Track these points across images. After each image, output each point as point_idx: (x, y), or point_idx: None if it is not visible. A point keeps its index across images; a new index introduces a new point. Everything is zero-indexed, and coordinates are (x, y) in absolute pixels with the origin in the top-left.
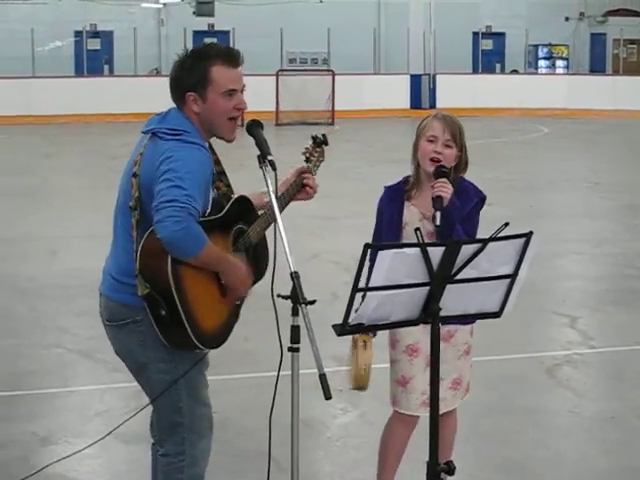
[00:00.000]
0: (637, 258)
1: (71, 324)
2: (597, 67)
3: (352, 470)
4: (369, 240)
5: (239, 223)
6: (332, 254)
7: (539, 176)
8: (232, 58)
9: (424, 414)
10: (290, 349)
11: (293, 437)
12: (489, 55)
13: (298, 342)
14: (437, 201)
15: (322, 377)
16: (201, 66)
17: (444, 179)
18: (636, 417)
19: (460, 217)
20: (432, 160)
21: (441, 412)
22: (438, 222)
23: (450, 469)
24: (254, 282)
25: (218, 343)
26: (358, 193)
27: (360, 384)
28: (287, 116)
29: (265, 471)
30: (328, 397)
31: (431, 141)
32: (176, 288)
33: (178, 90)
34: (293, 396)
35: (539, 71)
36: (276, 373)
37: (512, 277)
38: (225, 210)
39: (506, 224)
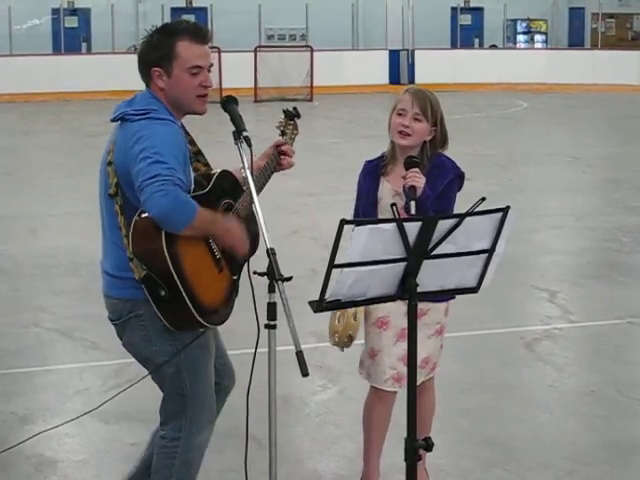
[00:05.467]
0: (617, 232)
1: (50, 303)
2: (576, 41)
3: (332, 446)
4: (348, 216)
5: (226, 198)
6: (311, 230)
7: (518, 151)
8: (199, 34)
9: (392, 389)
10: (267, 326)
11: (271, 414)
12: (468, 30)
13: (275, 319)
14: (410, 191)
15: (299, 354)
16: (167, 41)
17: (416, 169)
18: (616, 391)
19: (434, 194)
20: (400, 133)
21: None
22: (413, 211)
23: (428, 445)
24: (248, 257)
25: (221, 319)
26: (338, 169)
27: (349, 331)
28: (266, 92)
29: (244, 449)
30: (305, 374)
31: (400, 114)
32: (173, 265)
33: (144, 66)
34: (270, 373)
35: (518, 46)
36: (252, 350)
37: (489, 252)
38: (210, 185)
39: (482, 199)
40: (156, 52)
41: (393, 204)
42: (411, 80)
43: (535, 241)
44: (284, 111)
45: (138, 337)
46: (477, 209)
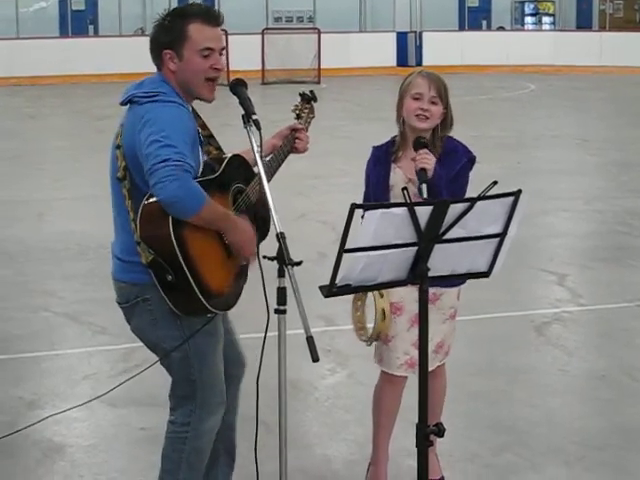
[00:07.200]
0: (626, 215)
1: (58, 287)
2: (583, 23)
3: (341, 431)
4: (356, 199)
5: (237, 182)
6: (319, 213)
7: (526, 133)
8: (211, 17)
9: (405, 374)
10: (277, 311)
11: (281, 399)
12: (475, 12)
13: (285, 304)
14: (421, 174)
15: (309, 339)
16: (179, 23)
17: (425, 150)
18: (626, 375)
19: (447, 178)
20: (418, 117)
21: None
22: (425, 194)
23: (440, 431)
24: (258, 242)
25: (228, 305)
26: (345, 152)
27: (380, 330)
28: (273, 75)
29: (253, 434)
30: (315, 359)
31: (417, 99)
32: (180, 250)
33: (156, 48)
34: (280, 359)
35: (525, 27)
36: (262, 334)
37: (501, 236)
38: (221, 169)
39: (494, 182)
40: (168, 35)
41: (404, 188)
42: (419, 62)
43: (543, 224)
44: (300, 94)
45: (146, 322)
46: (488, 193)
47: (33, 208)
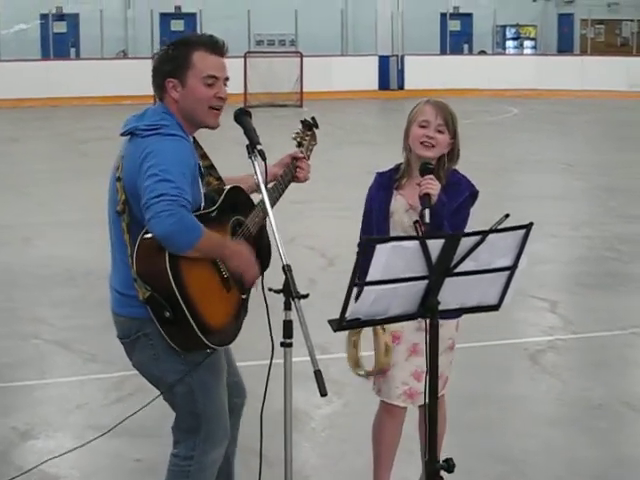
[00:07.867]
0: (615, 240)
1: (47, 314)
2: (565, 47)
3: (339, 461)
4: (341, 224)
5: (235, 214)
6: (306, 238)
7: (510, 158)
8: (215, 46)
9: (404, 405)
10: (283, 344)
11: (286, 434)
12: (457, 36)
13: (291, 337)
14: (425, 199)
15: (317, 373)
16: (183, 51)
17: (430, 175)
18: (622, 404)
19: (449, 210)
20: (423, 144)
21: (419, 404)
22: (428, 219)
23: (449, 466)
24: (260, 273)
25: (227, 340)
26: (328, 176)
27: (382, 365)
28: (256, 98)
29: (249, 464)
30: (324, 394)
31: (423, 126)
32: (177, 286)
33: (159, 78)
34: (286, 392)
35: (507, 52)
36: (262, 362)
37: (512, 269)
38: (219, 202)
39: (507, 215)
40: (171, 63)
41: (416, 221)
42: (400, 86)
43: (532, 250)
44: (302, 122)
45: (147, 357)
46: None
47: (19, 233)
